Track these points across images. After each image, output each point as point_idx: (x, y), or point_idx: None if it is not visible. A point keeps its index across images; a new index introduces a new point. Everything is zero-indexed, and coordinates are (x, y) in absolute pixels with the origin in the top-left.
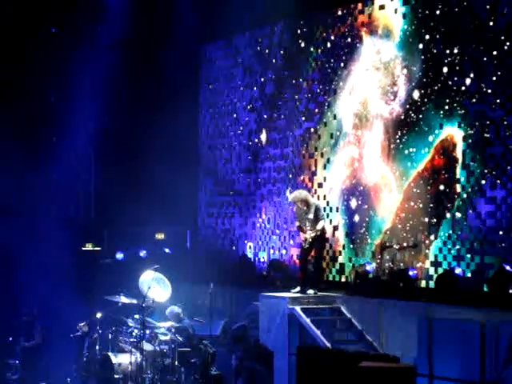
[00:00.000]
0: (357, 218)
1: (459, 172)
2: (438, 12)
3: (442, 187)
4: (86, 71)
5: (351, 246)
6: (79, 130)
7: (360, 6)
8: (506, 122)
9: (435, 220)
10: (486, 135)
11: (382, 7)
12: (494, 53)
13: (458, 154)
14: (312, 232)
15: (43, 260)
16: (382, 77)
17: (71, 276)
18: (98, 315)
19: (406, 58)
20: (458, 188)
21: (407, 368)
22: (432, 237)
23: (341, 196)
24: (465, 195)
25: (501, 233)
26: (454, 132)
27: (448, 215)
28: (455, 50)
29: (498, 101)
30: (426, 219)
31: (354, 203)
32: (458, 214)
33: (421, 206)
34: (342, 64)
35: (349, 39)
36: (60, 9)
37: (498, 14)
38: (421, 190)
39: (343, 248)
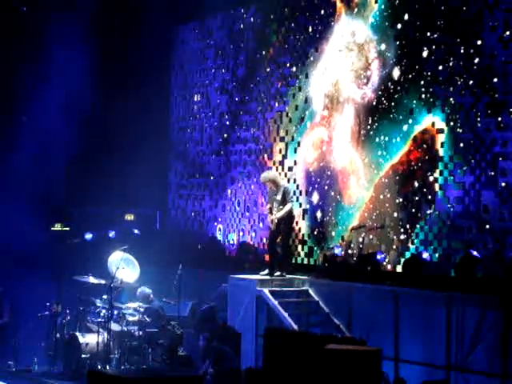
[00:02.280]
0: (324, 202)
1: (437, 164)
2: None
3: (416, 184)
4: (59, 49)
5: (318, 229)
6: (50, 107)
7: None
8: (475, 109)
9: (406, 216)
10: (457, 121)
11: None
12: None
13: (435, 144)
14: (278, 213)
15: (11, 240)
16: (356, 59)
17: (40, 256)
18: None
19: (381, 41)
20: (434, 184)
21: (373, 351)
22: (402, 236)
23: (308, 178)
24: (439, 191)
25: (468, 218)
26: (430, 121)
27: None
28: (431, 36)
29: (469, 88)
30: (396, 214)
31: (321, 186)
32: (430, 211)
33: (390, 198)
34: (316, 44)
35: (323, 12)
36: None
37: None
38: (393, 184)
39: (311, 231)
